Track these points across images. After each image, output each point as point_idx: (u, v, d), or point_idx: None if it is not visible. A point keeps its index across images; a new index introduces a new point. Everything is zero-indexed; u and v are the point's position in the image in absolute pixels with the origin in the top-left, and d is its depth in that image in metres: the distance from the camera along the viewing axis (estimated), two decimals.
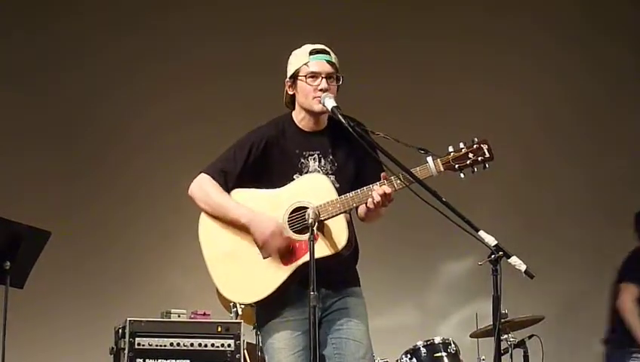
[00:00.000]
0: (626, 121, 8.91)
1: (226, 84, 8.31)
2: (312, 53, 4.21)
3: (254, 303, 4.25)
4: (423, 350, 6.10)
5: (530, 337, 6.29)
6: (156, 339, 6.16)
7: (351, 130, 4.07)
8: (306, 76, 4.19)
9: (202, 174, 4.24)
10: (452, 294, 8.48)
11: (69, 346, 7.65)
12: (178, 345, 6.19)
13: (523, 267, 3.72)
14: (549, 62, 8.76)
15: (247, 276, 4.14)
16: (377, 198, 4.04)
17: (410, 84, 8.60)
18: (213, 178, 4.21)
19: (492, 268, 3.76)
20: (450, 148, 4.11)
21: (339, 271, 4.16)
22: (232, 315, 6.45)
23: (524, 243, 7.29)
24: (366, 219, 4.27)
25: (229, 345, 6.24)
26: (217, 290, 4.23)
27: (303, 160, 4.22)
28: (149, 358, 6.13)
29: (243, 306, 6.29)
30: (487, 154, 4.11)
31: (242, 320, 6.29)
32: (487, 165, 4.11)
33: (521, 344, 6.25)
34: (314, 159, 4.23)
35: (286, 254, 4.11)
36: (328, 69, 4.19)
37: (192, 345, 6.21)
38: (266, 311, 4.22)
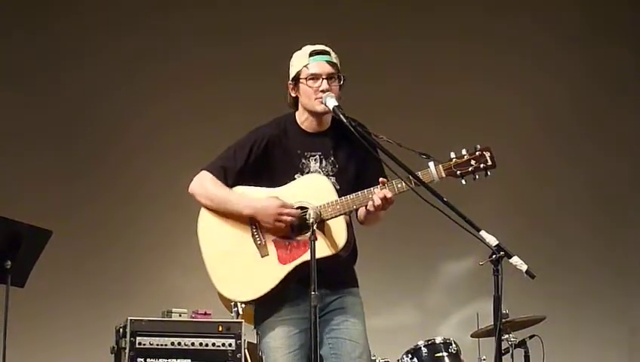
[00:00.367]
0: (626, 120, 8.91)
1: (226, 84, 8.31)
2: (311, 54, 4.21)
3: (251, 301, 4.25)
4: (424, 350, 6.11)
5: (531, 337, 6.29)
6: (157, 339, 6.16)
7: (352, 129, 4.07)
8: (306, 78, 4.19)
9: (202, 171, 4.25)
10: (453, 294, 8.47)
11: (69, 345, 7.65)
12: (179, 344, 6.19)
13: (524, 267, 3.72)
14: (549, 62, 8.75)
15: (245, 274, 4.14)
16: (378, 202, 4.04)
17: (410, 84, 8.60)
18: (213, 174, 4.21)
19: (493, 268, 3.75)
20: (452, 155, 4.11)
21: (337, 271, 4.16)
22: (233, 315, 6.45)
23: (525, 243, 7.30)
24: (365, 222, 4.27)
25: (230, 345, 6.24)
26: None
27: (304, 160, 4.22)
28: (150, 357, 6.13)
29: (244, 306, 6.29)
30: (490, 162, 4.11)
31: (243, 320, 6.29)
32: (489, 173, 4.12)
33: (522, 344, 6.26)
34: (315, 160, 4.23)
35: (285, 252, 4.11)
36: (328, 69, 4.19)
37: (192, 344, 6.20)
38: (263, 310, 4.22)
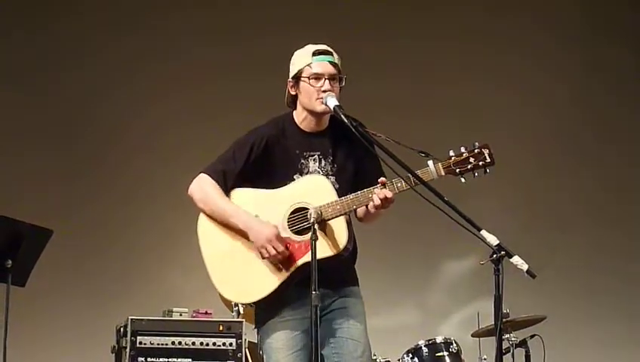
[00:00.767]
0: (627, 120, 8.91)
1: (226, 84, 8.31)
2: (314, 54, 4.20)
3: (253, 303, 4.25)
4: (425, 349, 6.11)
5: (531, 337, 6.30)
6: (158, 338, 6.17)
7: (353, 129, 4.07)
8: (308, 77, 4.18)
9: (202, 174, 4.23)
10: (454, 293, 8.47)
11: (70, 345, 7.66)
12: (180, 343, 6.19)
13: (525, 266, 3.72)
14: (549, 62, 8.76)
15: (246, 276, 4.14)
16: (378, 202, 4.04)
17: (410, 84, 8.60)
18: (213, 178, 4.20)
19: (494, 268, 3.76)
20: (452, 153, 4.11)
21: (338, 271, 4.15)
22: (233, 314, 6.45)
23: (525, 243, 7.30)
24: (364, 220, 4.27)
25: (230, 344, 6.24)
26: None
27: (303, 160, 4.22)
28: (151, 357, 6.14)
29: (244, 305, 6.29)
30: (488, 159, 4.11)
31: (244, 319, 6.29)
32: (487, 170, 4.12)
33: (522, 343, 6.27)
34: (314, 160, 4.22)
35: (285, 256, 4.10)
36: (331, 70, 4.18)
37: (193, 343, 6.21)
38: (264, 311, 4.21)
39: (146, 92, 8.29)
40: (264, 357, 4.24)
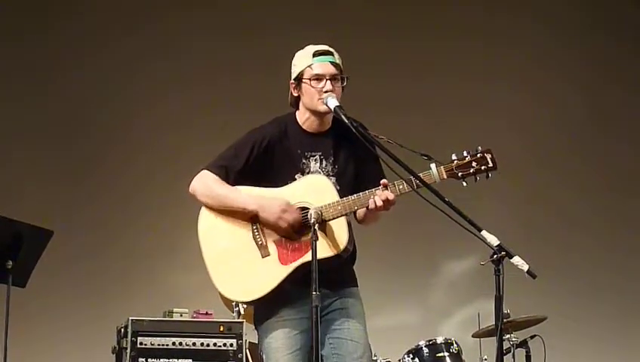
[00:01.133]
0: (630, 117, 8.91)
1: (226, 84, 8.31)
2: (315, 54, 4.19)
3: (251, 302, 4.24)
4: (426, 350, 6.11)
5: (532, 337, 6.29)
6: (158, 338, 6.16)
7: (354, 129, 4.07)
8: (310, 78, 4.17)
9: (203, 170, 4.23)
10: (454, 294, 8.48)
11: (70, 345, 7.66)
12: (180, 344, 6.18)
13: (525, 267, 3.72)
14: (550, 61, 8.76)
15: (246, 274, 4.14)
16: (379, 203, 4.04)
17: (410, 84, 8.60)
18: (215, 173, 4.19)
19: (494, 268, 3.76)
20: (454, 156, 4.12)
21: (337, 271, 4.15)
22: (234, 315, 6.45)
23: (526, 243, 7.30)
24: (364, 222, 4.27)
25: (231, 345, 6.24)
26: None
27: (304, 160, 4.21)
28: (151, 357, 6.13)
29: (245, 306, 6.29)
30: (491, 164, 4.13)
31: (244, 320, 6.29)
32: (490, 174, 4.13)
33: (523, 344, 6.26)
34: (315, 160, 4.22)
35: (286, 252, 4.10)
36: (332, 70, 4.18)
37: (194, 344, 6.20)
38: (263, 310, 4.21)
39: (146, 92, 8.29)
40: (263, 356, 4.24)
